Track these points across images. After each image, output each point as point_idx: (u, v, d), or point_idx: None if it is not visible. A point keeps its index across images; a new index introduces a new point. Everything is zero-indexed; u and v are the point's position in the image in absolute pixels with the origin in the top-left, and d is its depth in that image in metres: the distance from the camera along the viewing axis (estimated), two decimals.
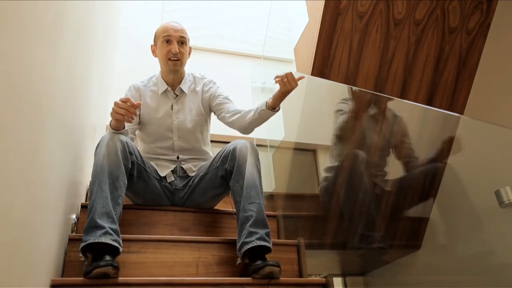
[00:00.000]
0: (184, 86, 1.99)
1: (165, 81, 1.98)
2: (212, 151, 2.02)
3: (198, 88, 2.01)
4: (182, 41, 1.91)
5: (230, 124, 1.90)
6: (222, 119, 1.94)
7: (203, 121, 1.99)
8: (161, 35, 1.91)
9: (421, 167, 1.53)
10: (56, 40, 1.14)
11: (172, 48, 1.88)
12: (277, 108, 1.76)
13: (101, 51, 2.27)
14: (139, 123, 1.94)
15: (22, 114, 0.86)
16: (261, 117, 1.78)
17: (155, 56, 1.98)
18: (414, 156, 1.61)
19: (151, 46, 1.98)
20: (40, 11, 0.96)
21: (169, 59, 1.90)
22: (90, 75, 1.89)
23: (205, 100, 1.99)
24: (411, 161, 1.62)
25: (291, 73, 1.64)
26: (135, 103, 1.53)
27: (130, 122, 1.57)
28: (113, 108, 1.54)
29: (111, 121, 1.62)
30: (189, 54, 2.00)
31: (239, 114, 1.86)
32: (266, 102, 1.74)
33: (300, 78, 1.67)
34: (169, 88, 1.97)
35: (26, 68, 0.87)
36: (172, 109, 1.95)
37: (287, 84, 1.64)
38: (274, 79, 1.68)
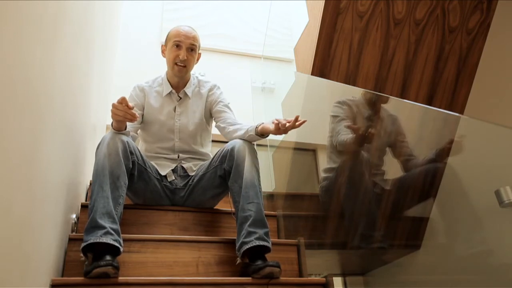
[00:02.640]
0: (188, 89, 1.99)
1: (170, 83, 1.98)
2: (212, 152, 2.02)
3: (203, 91, 2.01)
4: (192, 48, 1.91)
5: (223, 134, 1.90)
6: (217, 127, 1.94)
7: (205, 125, 2.00)
8: (173, 38, 1.90)
9: (421, 166, 1.53)
10: (55, 39, 1.14)
11: (180, 53, 1.89)
12: (266, 135, 1.71)
13: (101, 50, 2.27)
14: (141, 122, 1.95)
15: (22, 114, 0.86)
16: (249, 138, 1.74)
17: (164, 56, 1.98)
18: (412, 154, 1.60)
19: (162, 45, 1.99)
20: (40, 11, 0.95)
21: (176, 64, 1.91)
22: (90, 74, 1.89)
23: (208, 104, 2.00)
24: (410, 159, 1.62)
25: (290, 125, 1.53)
26: (130, 104, 1.49)
27: (131, 121, 1.57)
28: (111, 110, 1.54)
29: (112, 122, 1.62)
30: (197, 60, 2.00)
31: (231, 128, 1.84)
32: (257, 127, 1.68)
33: (301, 123, 1.56)
34: (173, 91, 1.98)
35: (26, 68, 0.87)
36: (175, 111, 1.95)
37: (281, 131, 1.57)
38: (273, 122, 1.59)
